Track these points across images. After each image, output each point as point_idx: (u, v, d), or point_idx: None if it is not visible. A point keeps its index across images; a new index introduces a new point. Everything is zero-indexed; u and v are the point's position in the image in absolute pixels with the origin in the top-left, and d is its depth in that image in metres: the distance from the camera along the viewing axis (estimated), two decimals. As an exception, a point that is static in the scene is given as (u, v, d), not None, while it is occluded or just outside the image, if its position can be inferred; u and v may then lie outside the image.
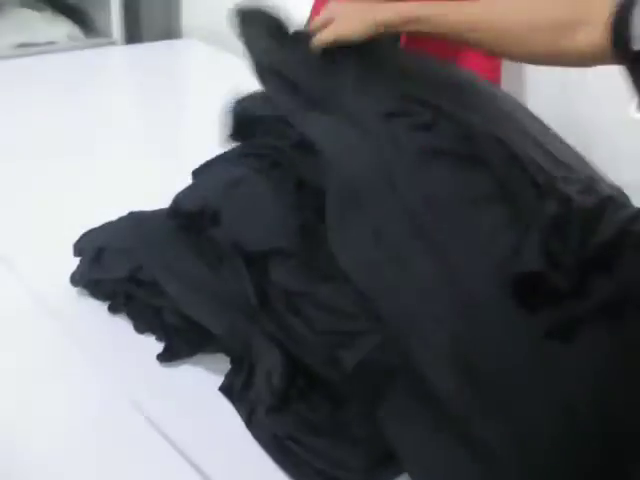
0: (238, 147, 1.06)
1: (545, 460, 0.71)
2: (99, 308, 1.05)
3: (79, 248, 1.10)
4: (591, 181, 0.93)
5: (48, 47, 2.51)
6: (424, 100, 0.92)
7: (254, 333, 0.90)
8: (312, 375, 0.87)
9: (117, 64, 2.49)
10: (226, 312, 0.92)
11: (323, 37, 0.95)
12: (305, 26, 1.06)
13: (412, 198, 0.84)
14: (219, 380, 0.93)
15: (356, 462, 0.80)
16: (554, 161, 0.92)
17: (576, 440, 0.73)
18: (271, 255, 0.91)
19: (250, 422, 0.87)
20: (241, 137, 1.05)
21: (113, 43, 2.69)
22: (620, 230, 0.81)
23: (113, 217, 1.12)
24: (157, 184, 1.24)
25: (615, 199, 0.89)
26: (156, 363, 0.96)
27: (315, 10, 2.11)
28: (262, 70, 0.98)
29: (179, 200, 1.04)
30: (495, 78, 1.48)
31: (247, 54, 1.00)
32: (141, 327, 1.02)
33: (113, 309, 1.05)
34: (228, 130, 1.04)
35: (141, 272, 1.00)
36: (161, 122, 1.85)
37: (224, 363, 0.95)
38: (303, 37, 0.98)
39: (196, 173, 1.09)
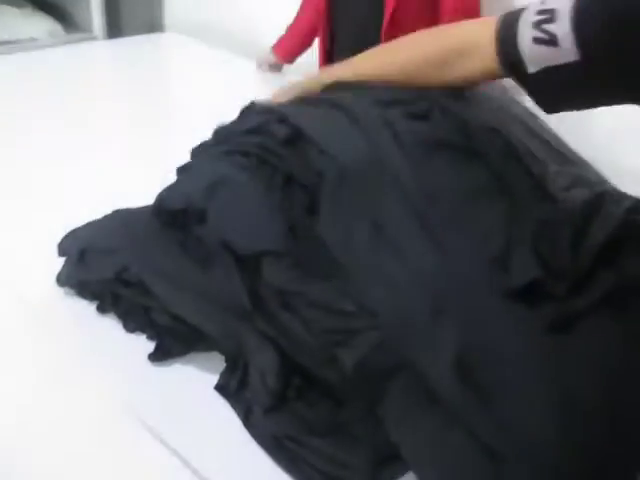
0: (223, 145, 1.04)
1: (552, 454, 0.70)
2: (87, 308, 1.03)
3: (63, 248, 1.08)
4: (586, 173, 0.93)
5: (29, 44, 2.51)
6: (418, 93, 0.93)
7: (246, 332, 0.89)
8: (309, 374, 0.85)
9: (99, 59, 2.48)
10: (216, 311, 0.90)
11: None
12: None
13: (412, 189, 0.83)
14: (213, 379, 0.91)
15: (357, 461, 0.79)
16: (550, 151, 0.92)
17: (583, 430, 0.72)
18: (262, 256, 0.89)
19: (248, 421, 0.86)
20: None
21: (94, 38, 2.69)
22: (622, 221, 0.80)
23: (99, 215, 1.10)
24: (141, 180, 1.22)
25: (611, 192, 0.88)
26: (148, 362, 0.94)
27: (302, 10, 2.11)
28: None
29: (162, 198, 1.01)
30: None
31: None
32: (131, 326, 1.00)
33: (102, 309, 1.03)
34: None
35: (127, 273, 0.98)
36: (145, 116, 1.83)
37: (218, 361, 0.93)
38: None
39: (180, 170, 1.07)
